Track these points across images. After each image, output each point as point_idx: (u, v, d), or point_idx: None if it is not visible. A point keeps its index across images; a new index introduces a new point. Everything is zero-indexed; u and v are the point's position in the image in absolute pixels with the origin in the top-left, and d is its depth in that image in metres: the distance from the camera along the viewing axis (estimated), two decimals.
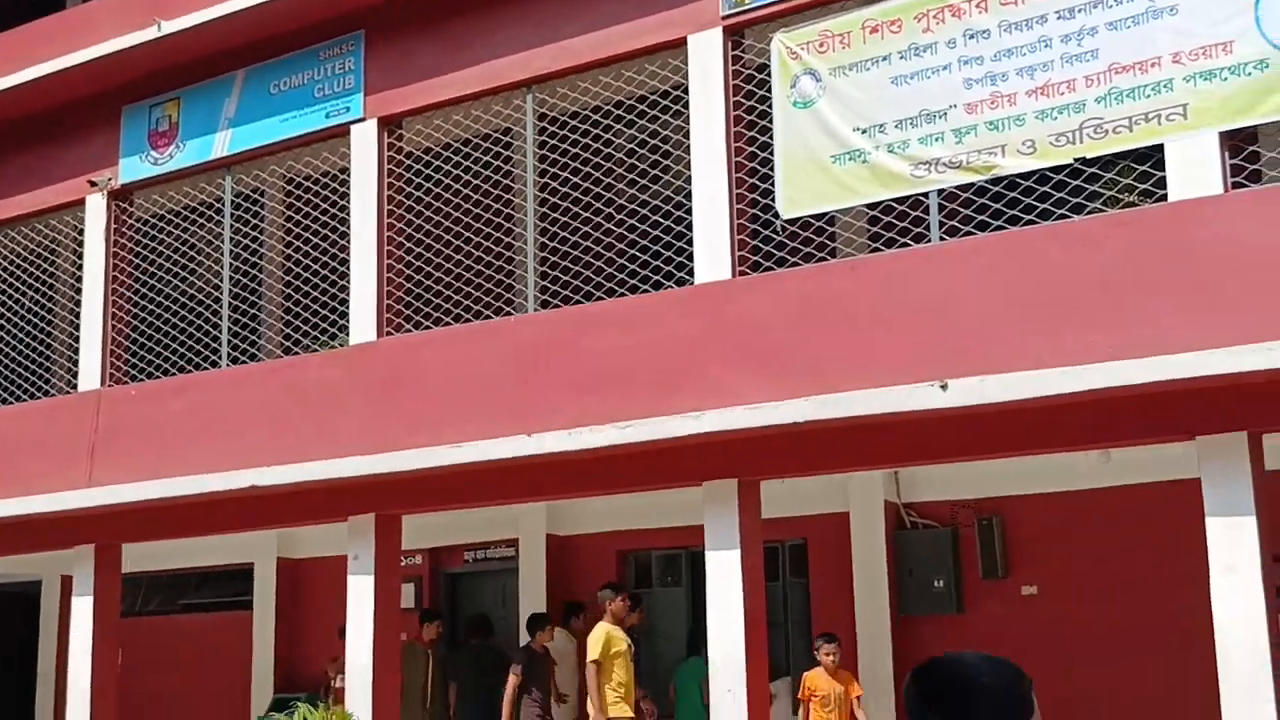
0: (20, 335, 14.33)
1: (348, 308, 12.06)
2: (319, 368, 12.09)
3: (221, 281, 12.99)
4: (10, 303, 14.40)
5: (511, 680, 11.65)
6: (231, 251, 13.69)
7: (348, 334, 11.99)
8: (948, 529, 11.27)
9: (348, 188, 12.17)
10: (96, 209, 13.60)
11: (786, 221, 10.09)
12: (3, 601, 19.88)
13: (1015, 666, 2.78)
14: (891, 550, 11.39)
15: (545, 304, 11.16)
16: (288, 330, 13.17)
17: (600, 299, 10.79)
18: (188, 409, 12.67)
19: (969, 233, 9.46)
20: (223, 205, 13.05)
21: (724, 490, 10.02)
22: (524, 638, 12.84)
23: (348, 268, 12.09)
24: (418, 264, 11.76)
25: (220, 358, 12.80)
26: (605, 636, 10.89)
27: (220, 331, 12.80)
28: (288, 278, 13.19)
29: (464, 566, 14.05)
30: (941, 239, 9.48)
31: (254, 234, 13.12)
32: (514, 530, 13.45)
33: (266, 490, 11.74)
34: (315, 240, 12.44)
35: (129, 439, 12.93)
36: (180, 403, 12.76)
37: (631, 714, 10.87)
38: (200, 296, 13.74)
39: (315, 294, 12.43)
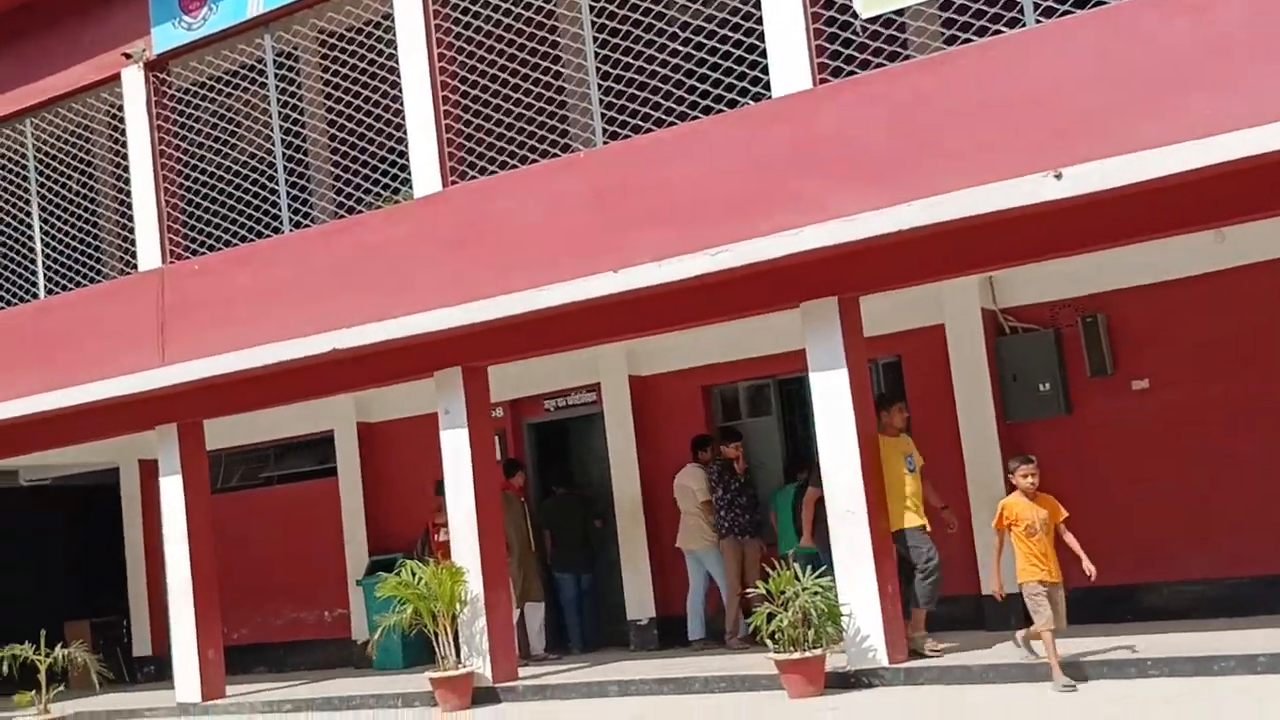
0: (65, 222, 14.01)
1: (404, 161, 11.67)
2: (386, 224, 11.74)
3: (273, 144, 12.59)
4: (52, 192, 14.03)
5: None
6: (265, 117, 13.32)
7: (410, 187, 11.62)
8: (1050, 330, 10.92)
9: (387, 39, 11.68)
10: (134, 83, 13.16)
11: (866, 21, 9.58)
12: (84, 494, 20.03)
13: None
14: (992, 358, 11.08)
15: (614, 136, 10.71)
16: (341, 191, 12.76)
17: (674, 124, 10.33)
18: (255, 278, 12.39)
19: (1066, 12, 8.93)
20: (260, 67, 12.57)
21: (824, 310, 9.70)
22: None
23: (398, 121, 11.68)
24: (475, 108, 11.32)
25: (282, 223, 12.46)
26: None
27: (279, 195, 12.44)
28: (334, 139, 12.75)
29: (545, 415, 13.85)
30: (1038, 21, 8.96)
31: (292, 97, 12.64)
32: (595, 375, 13.20)
33: (348, 353, 11.52)
34: (360, 96, 11.97)
35: (198, 314, 12.69)
36: (246, 273, 12.48)
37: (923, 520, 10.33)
38: (249, 164, 13.35)
39: (366, 151, 12.00)
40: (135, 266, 14.00)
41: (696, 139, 10.13)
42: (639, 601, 12.75)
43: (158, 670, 16.12)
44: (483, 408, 11.53)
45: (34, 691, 11.35)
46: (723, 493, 11.96)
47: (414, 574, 11.11)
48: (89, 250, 13.99)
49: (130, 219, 13.82)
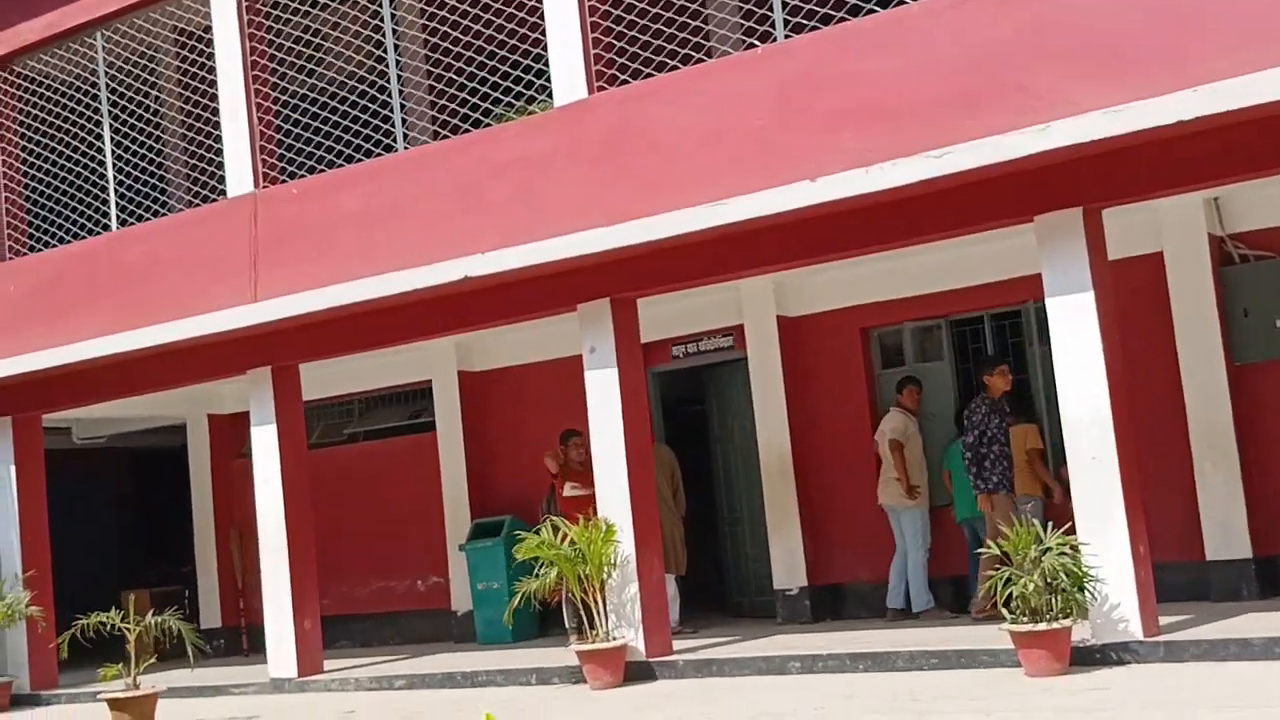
0: (134, 149, 12.63)
1: (539, 66, 10.30)
2: (520, 138, 10.34)
3: (385, 53, 11.19)
4: (119, 120, 12.63)
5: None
6: (373, 25, 11.97)
7: (522, 98, 10.27)
8: None
9: None
10: None
11: None
12: (138, 455, 18.73)
13: None
14: (1219, 290, 9.69)
15: (798, 29, 9.31)
16: (444, 109, 11.33)
17: (871, 11, 8.93)
18: (364, 202, 11.01)
19: None
20: None
21: (1065, 223, 8.29)
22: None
23: (515, 27, 10.32)
24: (627, 2, 9.94)
25: (394, 140, 11.07)
26: None
27: (393, 111, 11.04)
28: (440, 50, 11.37)
29: (673, 363, 12.45)
30: None
31: (393, 4, 11.25)
32: (734, 316, 11.82)
33: (478, 283, 10.14)
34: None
35: (297, 243, 11.33)
36: (353, 196, 11.10)
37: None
38: (349, 81, 11.97)
39: (481, 64, 10.60)
40: (202, 199, 12.70)
41: (901, 26, 8.73)
42: (788, 569, 11.39)
43: (228, 644, 14.81)
44: (633, 345, 10.15)
45: (120, 664, 10.01)
46: (991, 437, 10.10)
47: (558, 532, 9.74)
48: (153, 184, 12.63)
49: (199, 147, 12.48)
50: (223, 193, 12.05)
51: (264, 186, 11.57)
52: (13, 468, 13.30)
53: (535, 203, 10.12)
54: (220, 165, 12.01)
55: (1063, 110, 7.99)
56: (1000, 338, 11.00)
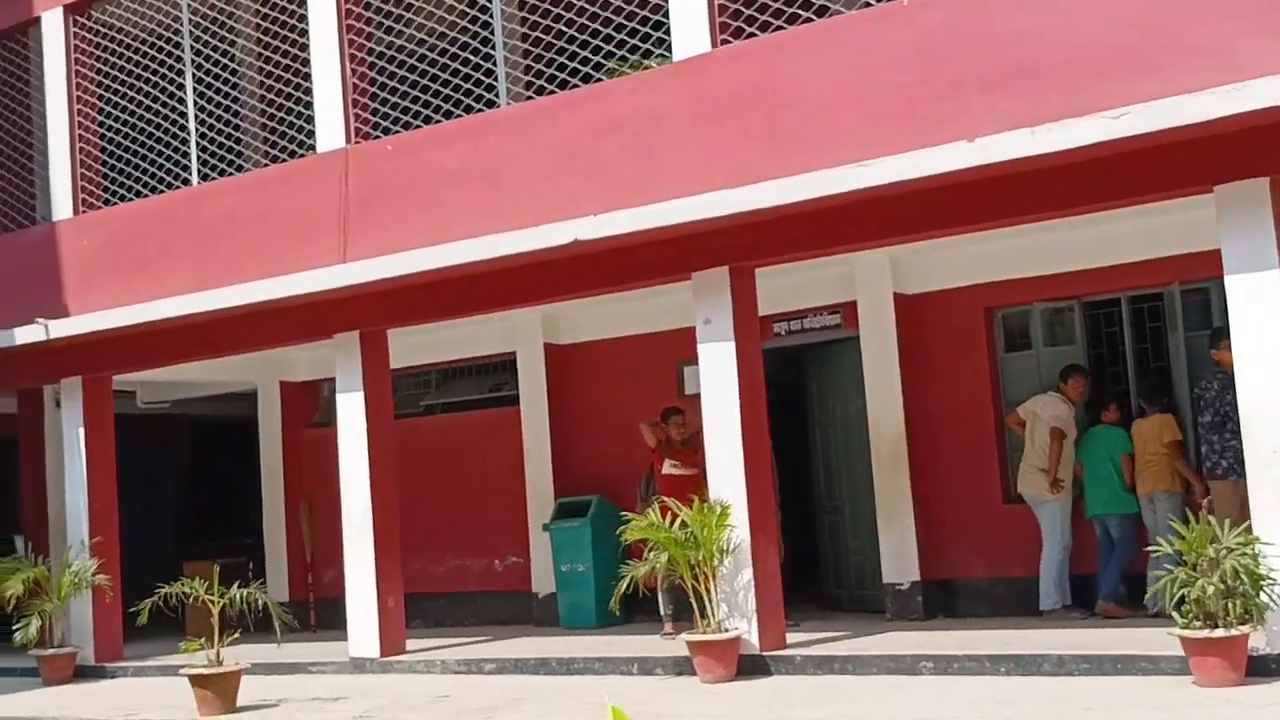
0: (214, 102, 12.09)
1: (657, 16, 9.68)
2: (634, 93, 9.72)
3: (481, 5, 10.60)
4: (202, 69, 12.10)
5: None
6: None
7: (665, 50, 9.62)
8: None
9: None
10: None
11: None
12: (199, 422, 18.27)
13: None
14: None
15: None
16: (540, 59, 10.71)
17: None
18: (463, 160, 10.44)
19: None
20: None
21: (1250, 194, 7.59)
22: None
23: None
24: None
25: (497, 95, 10.47)
26: None
27: (495, 65, 10.44)
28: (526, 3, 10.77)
29: (775, 340, 11.80)
30: None
31: None
32: (840, 292, 11.17)
33: (587, 246, 9.52)
34: None
35: (390, 202, 10.75)
36: (452, 153, 10.52)
37: None
38: (441, 35, 11.38)
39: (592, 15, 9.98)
40: (273, 159, 12.14)
41: None
42: (899, 562, 10.73)
43: (298, 619, 14.26)
44: (750, 317, 9.53)
45: (203, 639, 9.49)
46: (1225, 415, 9.01)
47: (668, 513, 9.14)
48: (227, 144, 12.07)
49: (275, 106, 11.92)
50: (298, 150, 11.53)
51: (356, 142, 11.00)
52: (82, 430, 12.79)
53: (650, 163, 9.50)
54: (297, 121, 11.47)
55: (1249, 72, 7.32)
56: (1138, 322, 10.31)
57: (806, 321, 11.67)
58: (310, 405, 14.72)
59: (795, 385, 12.22)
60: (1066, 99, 7.83)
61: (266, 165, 12.09)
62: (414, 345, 12.86)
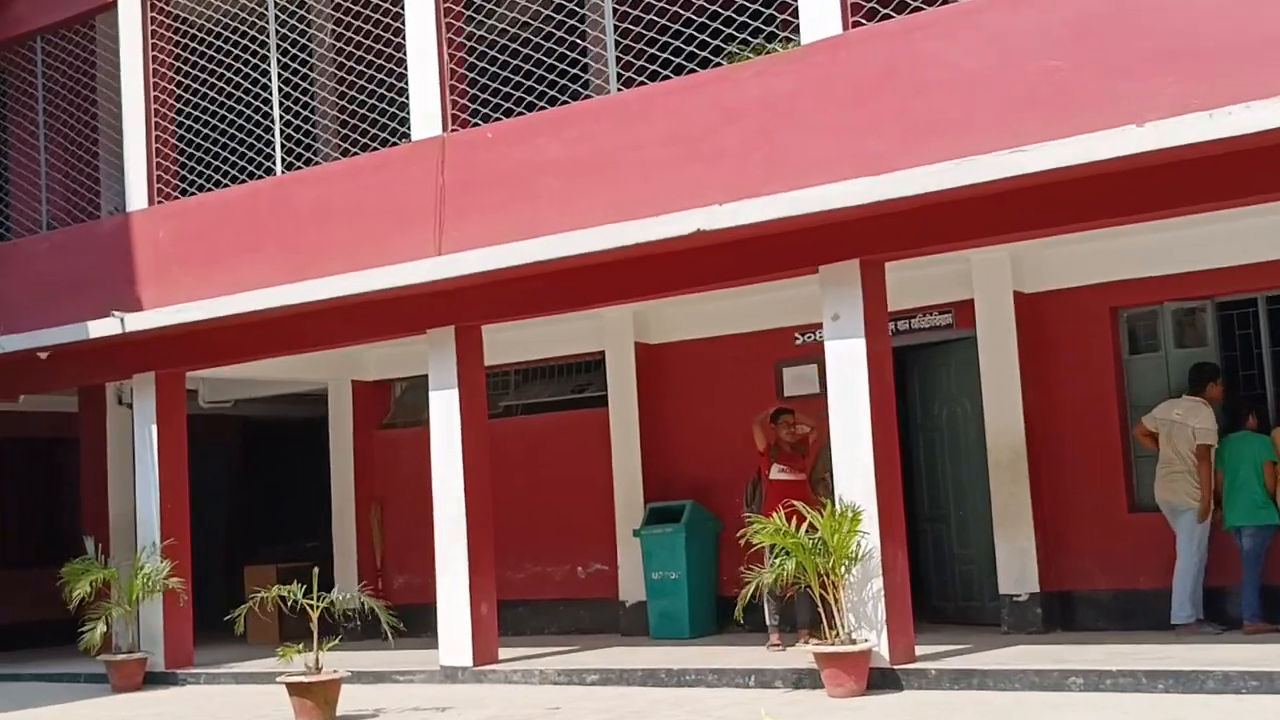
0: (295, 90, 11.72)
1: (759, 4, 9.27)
2: (758, 78, 9.28)
3: None
4: (286, 53, 11.73)
5: None
6: None
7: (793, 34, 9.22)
8: None
9: None
10: None
11: None
12: (258, 423, 17.87)
13: None
14: None
15: None
16: (649, 42, 10.29)
17: None
18: (569, 148, 10.01)
19: None
20: None
21: None
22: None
23: None
24: None
25: (606, 80, 10.05)
26: None
27: (607, 49, 10.01)
28: None
29: None
30: None
31: None
32: (954, 291, 10.72)
33: (709, 238, 9.09)
34: None
35: (489, 193, 10.33)
36: (556, 142, 10.10)
37: None
38: (550, 16, 10.98)
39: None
40: (342, 151, 11.76)
41: None
42: (1017, 573, 10.24)
43: (364, 625, 13.81)
44: (881, 313, 9.09)
45: (300, 644, 9.07)
46: None
47: (794, 518, 8.69)
48: (300, 138, 11.68)
49: (364, 93, 11.54)
50: (371, 142, 11.15)
51: (453, 130, 10.59)
52: (154, 427, 12.39)
53: (775, 151, 9.07)
54: (389, 109, 11.09)
55: None
56: (1276, 324, 9.85)
57: (915, 321, 11.22)
58: (381, 406, 14.31)
59: (896, 388, 11.74)
60: (1241, 85, 7.37)
61: (350, 154, 11.70)
62: (493, 344, 12.33)
